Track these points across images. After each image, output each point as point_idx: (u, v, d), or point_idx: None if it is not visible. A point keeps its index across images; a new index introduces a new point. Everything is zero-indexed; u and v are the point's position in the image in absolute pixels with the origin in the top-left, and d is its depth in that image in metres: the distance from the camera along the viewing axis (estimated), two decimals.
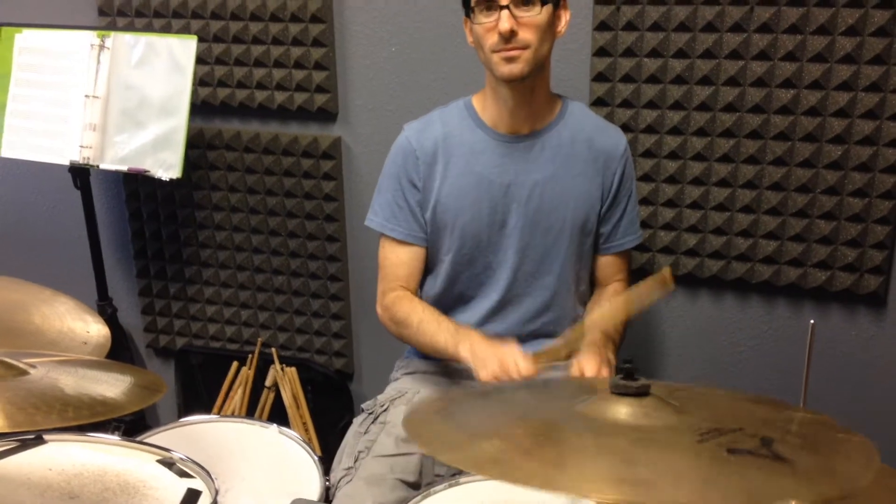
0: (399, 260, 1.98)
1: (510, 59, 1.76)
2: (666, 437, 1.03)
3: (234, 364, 2.73)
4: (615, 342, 1.92)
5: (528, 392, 1.55)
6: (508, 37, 1.73)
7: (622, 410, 1.08)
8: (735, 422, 1.06)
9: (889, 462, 1.47)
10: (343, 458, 1.86)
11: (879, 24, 1.99)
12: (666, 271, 1.64)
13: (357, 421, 1.96)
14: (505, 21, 1.72)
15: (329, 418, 2.71)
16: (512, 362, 1.67)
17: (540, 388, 1.63)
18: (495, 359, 1.69)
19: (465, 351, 1.77)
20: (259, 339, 2.76)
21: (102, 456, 1.46)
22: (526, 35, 1.74)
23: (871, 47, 2.02)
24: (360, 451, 1.85)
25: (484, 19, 1.76)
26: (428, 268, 2.02)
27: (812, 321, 1.31)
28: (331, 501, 1.73)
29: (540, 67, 1.80)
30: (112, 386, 1.32)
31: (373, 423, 1.92)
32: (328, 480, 1.71)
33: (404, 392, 1.98)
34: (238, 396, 2.70)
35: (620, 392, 1.11)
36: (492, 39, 1.76)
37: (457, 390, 1.88)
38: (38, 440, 1.45)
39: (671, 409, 1.07)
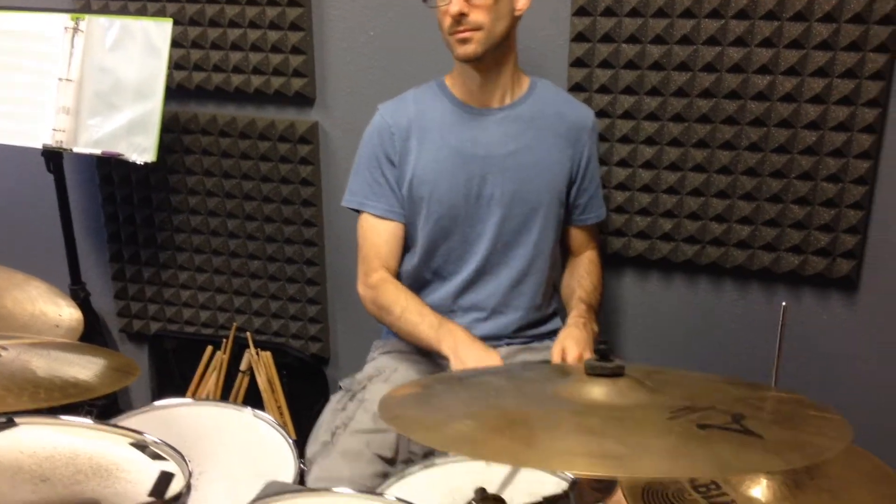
0: (380, 238, 1.99)
1: (463, 41, 1.82)
2: (638, 414, 1.04)
3: (209, 348, 2.72)
4: (597, 312, 1.98)
5: (504, 378, 1.56)
6: (459, 19, 1.79)
7: (597, 391, 1.08)
8: (708, 400, 1.06)
9: (858, 444, 1.48)
10: (320, 434, 1.87)
11: (856, 11, 2.00)
12: None
13: (335, 398, 1.97)
14: (454, 4, 1.78)
15: (304, 402, 2.70)
16: None
17: (517, 373, 1.64)
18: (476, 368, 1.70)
19: (448, 349, 1.80)
20: (234, 324, 2.74)
21: (74, 439, 1.43)
22: (477, 17, 1.79)
23: (847, 34, 2.02)
24: (336, 427, 1.86)
25: (439, 2, 1.82)
26: (406, 245, 2.03)
27: (784, 303, 1.32)
28: (305, 477, 1.73)
29: (496, 46, 1.85)
30: (84, 368, 1.31)
31: (350, 400, 1.93)
32: (303, 463, 1.71)
33: (382, 370, 2.00)
34: (212, 381, 2.69)
35: (596, 373, 1.12)
36: (446, 22, 1.82)
37: (432, 377, 1.89)
38: (10, 423, 1.43)
39: (645, 389, 1.08)
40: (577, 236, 2.10)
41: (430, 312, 1.90)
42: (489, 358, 1.74)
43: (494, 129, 1.95)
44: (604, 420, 1.02)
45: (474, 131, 1.94)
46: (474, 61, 1.85)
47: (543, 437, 1.00)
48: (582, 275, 2.06)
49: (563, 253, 2.14)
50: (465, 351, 1.76)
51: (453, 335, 1.81)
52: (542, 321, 2.09)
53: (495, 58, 1.87)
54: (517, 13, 1.86)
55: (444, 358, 1.80)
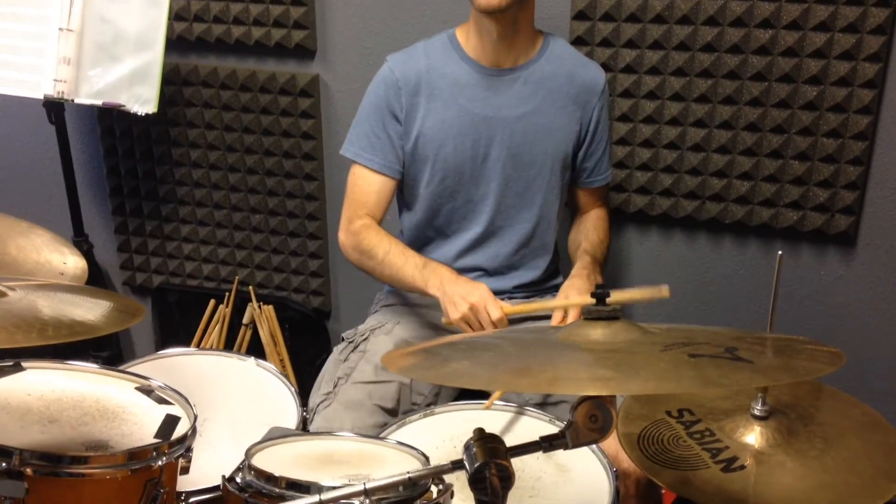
0: (370, 188, 1.97)
1: None
2: (631, 348, 1.06)
3: (212, 302, 2.74)
4: (602, 265, 1.99)
5: (505, 336, 1.58)
6: None
7: (593, 333, 1.10)
8: (703, 339, 1.08)
9: (852, 395, 1.51)
10: (322, 384, 1.89)
11: None
12: (665, 291, 1.69)
13: (337, 349, 1.99)
14: None
15: (306, 356, 2.73)
16: (482, 308, 1.71)
17: (518, 332, 1.66)
18: (466, 302, 1.72)
19: (435, 288, 1.80)
20: (236, 278, 2.76)
21: (81, 383, 1.46)
22: None
23: None
24: (339, 378, 1.88)
25: None
26: (407, 202, 2.04)
27: (780, 252, 1.33)
28: (308, 427, 1.75)
29: (519, 1, 1.80)
30: (90, 310, 1.33)
31: (353, 351, 1.95)
32: (305, 411, 1.74)
33: (384, 322, 2.01)
34: (215, 334, 2.71)
35: (593, 317, 1.13)
36: None
37: (435, 342, 1.92)
38: (17, 367, 1.45)
39: (641, 331, 1.10)
40: (584, 197, 2.10)
41: (413, 254, 1.89)
42: (476, 289, 1.74)
43: (505, 91, 1.93)
44: (598, 355, 1.05)
45: (485, 92, 1.92)
46: (497, 13, 1.79)
47: (537, 369, 1.03)
48: (588, 228, 2.06)
49: (572, 212, 2.14)
50: (453, 290, 1.75)
51: (438, 274, 1.81)
52: (543, 279, 2.10)
53: (515, 13, 1.83)
54: None
55: (434, 300, 1.81)
